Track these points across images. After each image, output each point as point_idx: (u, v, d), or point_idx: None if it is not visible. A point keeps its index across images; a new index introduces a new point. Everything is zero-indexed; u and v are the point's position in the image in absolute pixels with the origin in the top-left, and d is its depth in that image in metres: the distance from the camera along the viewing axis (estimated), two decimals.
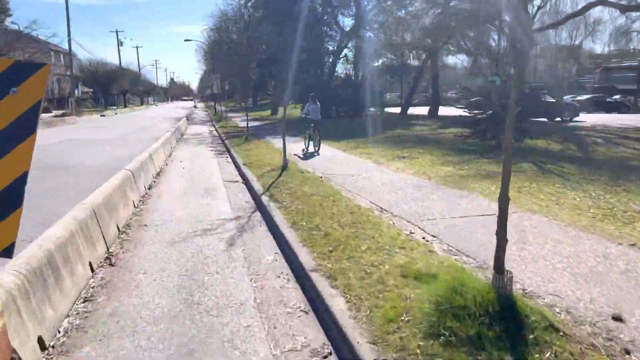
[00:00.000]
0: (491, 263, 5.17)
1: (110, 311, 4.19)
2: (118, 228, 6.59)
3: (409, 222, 6.95)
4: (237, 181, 11.57)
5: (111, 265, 5.34)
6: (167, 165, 14.16)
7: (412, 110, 38.52)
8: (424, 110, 40.41)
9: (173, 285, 4.80)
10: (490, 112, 16.25)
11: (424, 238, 6.10)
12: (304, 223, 6.75)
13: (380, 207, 7.89)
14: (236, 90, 66.84)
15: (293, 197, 8.55)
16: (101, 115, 50.83)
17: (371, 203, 8.27)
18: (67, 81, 60.22)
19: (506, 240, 3.68)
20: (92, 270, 4.99)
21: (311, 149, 16.33)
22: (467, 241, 5.95)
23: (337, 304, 4.10)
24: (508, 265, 5.08)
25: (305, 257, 5.31)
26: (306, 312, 4.32)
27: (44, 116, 43.35)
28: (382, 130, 23.61)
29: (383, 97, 44.86)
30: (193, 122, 39.12)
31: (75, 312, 4.11)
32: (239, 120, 37.16)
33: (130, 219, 7.52)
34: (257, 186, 9.98)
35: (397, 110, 42.27)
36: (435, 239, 6.08)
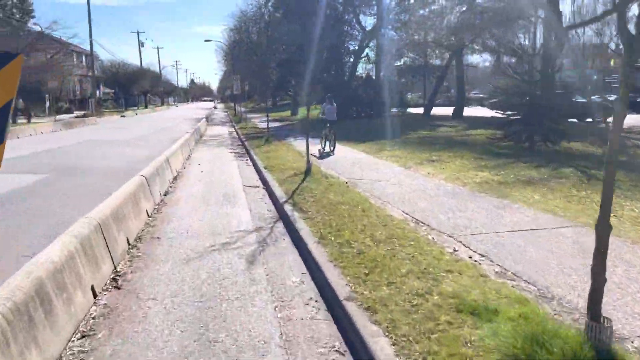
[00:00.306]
0: (555, 291, 4.42)
1: (111, 351, 3.54)
2: (128, 242, 5.98)
3: (450, 236, 6.20)
4: (258, 186, 10.94)
5: (117, 288, 4.71)
6: (185, 168, 13.60)
7: (435, 111, 37.51)
8: (447, 110, 39.36)
9: (186, 316, 4.14)
10: (523, 113, 15.37)
11: (470, 257, 5.35)
12: (332, 237, 6.06)
13: (415, 219, 7.16)
14: (256, 90, 66.53)
15: (319, 206, 7.87)
16: (121, 116, 50.90)
17: (404, 213, 7.54)
18: (88, 82, 60.55)
19: (605, 279, 2.93)
20: (95, 295, 4.37)
21: (328, 149, 16.33)
22: (521, 262, 5.19)
23: (381, 347, 3.39)
24: (574, 294, 4.34)
25: (338, 281, 4.61)
26: (342, 354, 3.62)
27: (65, 117, 43.50)
28: (406, 131, 22.80)
29: (405, 97, 43.92)
30: (213, 123, 38.75)
31: (69, 353, 3.48)
32: (258, 121, 36.67)
33: (143, 230, 6.91)
34: (279, 192, 9.33)
35: (419, 110, 41.28)
36: (483, 258, 5.33)
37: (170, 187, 10.52)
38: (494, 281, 4.56)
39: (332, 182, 10.15)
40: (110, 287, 4.71)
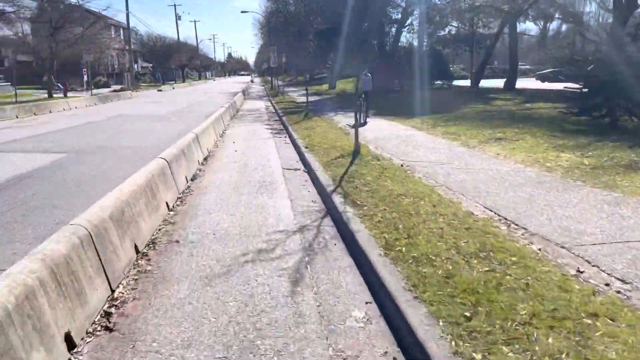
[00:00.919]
0: None
1: None
2: (136, 249, 4.62)
3: (562, 247, 4.57)
4: (299, 169, 9.47)
5: (109, 329, 3.33)
6: (217, 147, 12.25)
7: (482, 83, 34.91)
8: (493, 83, 36.84)
9: None
10: (603, 84, 13.23)
11: (608, 285, 3.73)
12: (402, 248, 4.52)
13: (504, 218, 5.53)
14: (293, 64, 64.80)
15: (375, 198, 6.33)
16: (158, 90, 50.29)
17: (486, 209, 5.92)
18: (126, 56, 60.08)
19: None
20: (72, 346, 3.00)
21: (362, 120, 15.89)
22: None
23: None
24: None
25: (426, 330, 3.09)
26: None
27: (102, 91, 43.06)
28: (457, 105, 20.84)
29: (449, 69, 41.42)
30: (249, 97, 37.42)
31: None
32: (295, 95, 35.12)
33: (160, 229, 5.55)
34: (325, 178, 7.82)
35: (464, 83, 38.85)
36: (628, 287, 3.70)
37: (199, 170, 9.17)
38: None
39: (385, 165, 8.58)
40: (99, 328, 3.33)
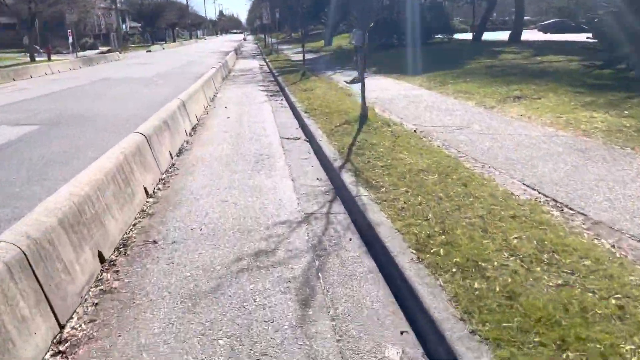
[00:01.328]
0: None
1: None
2: (101, 257, 3.64)
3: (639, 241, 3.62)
4: (299, 138, 8.43)
5: None
6: (207, 114, 11.12)
7: (484, 36, 33.27)
8: (496, 35, 35.21)
9: None
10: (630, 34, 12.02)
11: None
12: (439, 249, 3.54)
13: (554, 200, 4.55)
14: (286, 20, 62.36)
15: (393, 176, 5.33)
16: (147, 51, 48.31)
17: (527, 187, 4.94)
18: (112, 15, 57.64)
19: None
20: None
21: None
22: None
23: None
24: None
25: None
26: None
27: (88, 53, 41.21)
28: (463, 60, 19.53)
29: (449, 22, 39.58)
30: (242, 56, 35.78)
31: None
32: (290, 52, 33.55)
33: (135, 223, 4.55)
34: (330, 151, 6.79)
35: (465, 36, 37.18)
36: None
37: (187, 142, 8.11)
38: None
39: (397, 132, 7.55)
40: None
